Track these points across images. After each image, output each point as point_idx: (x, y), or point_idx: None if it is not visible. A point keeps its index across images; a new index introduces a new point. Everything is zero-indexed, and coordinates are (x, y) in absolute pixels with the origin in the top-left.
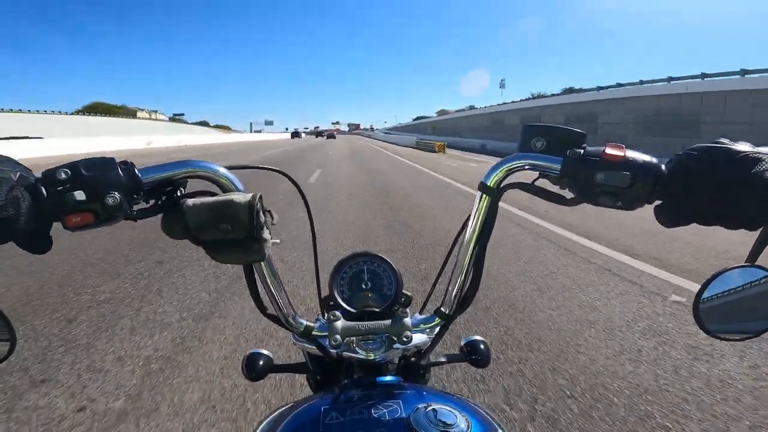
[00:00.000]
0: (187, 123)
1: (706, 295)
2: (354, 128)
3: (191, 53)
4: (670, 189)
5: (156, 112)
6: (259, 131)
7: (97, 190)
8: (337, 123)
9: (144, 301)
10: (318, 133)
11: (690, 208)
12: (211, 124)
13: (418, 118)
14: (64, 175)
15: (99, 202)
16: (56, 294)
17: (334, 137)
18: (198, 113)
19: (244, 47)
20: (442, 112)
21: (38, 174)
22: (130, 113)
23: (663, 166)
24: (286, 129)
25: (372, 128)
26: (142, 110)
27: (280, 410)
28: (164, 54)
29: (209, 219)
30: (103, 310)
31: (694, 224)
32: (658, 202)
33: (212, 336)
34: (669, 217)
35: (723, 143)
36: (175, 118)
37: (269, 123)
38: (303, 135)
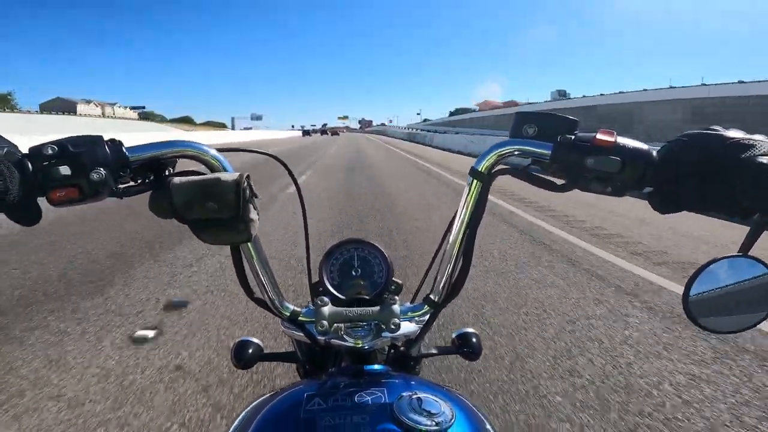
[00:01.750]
0: (163, 119)
1: (696, 285)
2: (366, 125)
3: (168, 42)
4: (660, 175)
5: (114, 104)
6: (249, 128)
7: (83, 166)
8: (345, 118)
9: None
10: (323, 131)
11: (680, 196)
12: (198, 121)
13: (457, 111)
14: (50, 151)
15: (84, 178)
16: None
17: (337, 134)
18: (181, 109)
19: (234, 36)
20: (484, 105)
21: (26, 150)
22: (68, 106)
23: (654, 152)
24: (292, 126)
25: (387, 124)
26: (90, 102)
27: (263, 397)
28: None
29: (196, 197)
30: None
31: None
32: (650, 189)
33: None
34: (660, 204)
35: (715, 130)
36: (146, 114)
37: (257, 118)
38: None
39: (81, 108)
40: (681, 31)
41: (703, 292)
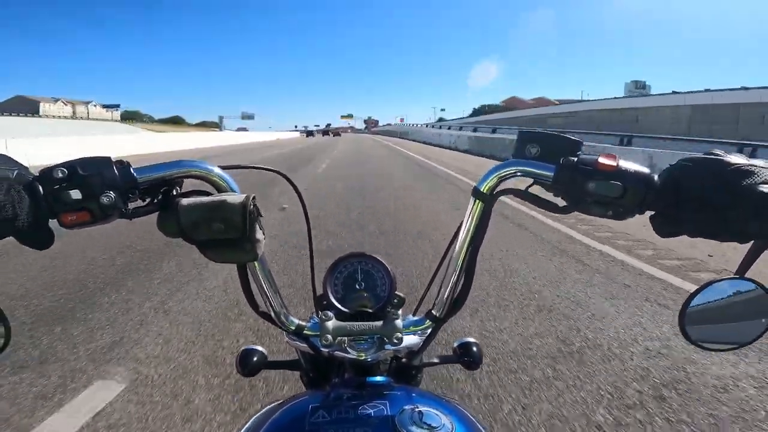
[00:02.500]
0: (146, 120)
1: (693, 304)
2: (372, 125)
3: (162, 39)
4: (661, 200)
5: (89, 103)
6: (245, 129)
7: (93, 189)
8: (349, 116)
9: None
10: (325, 132)
11: (681, 221)
12: (192, 122)
13: (482, 110)
14: (60, 174)
15: (95, 201)
16: None
17: (339, 135)
18: (174, 109)
19: (233, 35)
20: (512, 102)
21: (36, 173)
22: (32, 106)
23: (656, 177)
24: (295, 126)
25: (398, 123)
26: (58, 100)
27: (268, 407)
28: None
29: (203, 219)
30: None
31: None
32: (651, 213)
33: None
34: (663, 228)
35: (716, 155)
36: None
37: (248, 116)
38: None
39: (46, 108)
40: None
41: (700, 311)
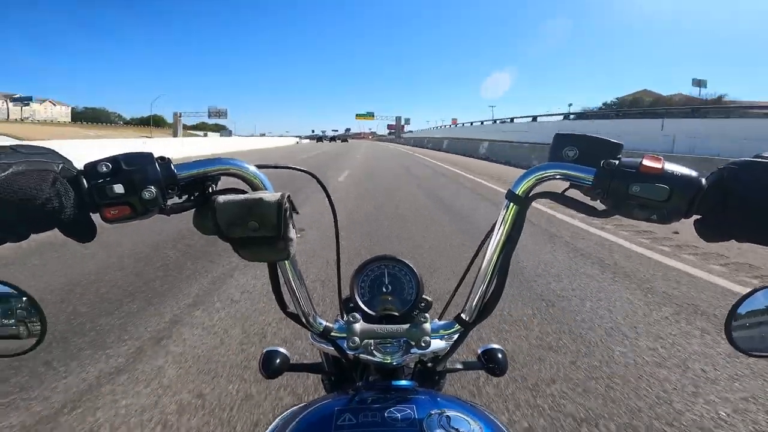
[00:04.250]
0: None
1: (740, 311)
2: (400, 129)
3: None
4: (708, 204)
5: (44, 101)
6: (229, 134)
7: (135, 184)
8: (369, 116)
9: None
10: (332, 138)
11: (728, 225)
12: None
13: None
14: (105, 168)
15: (137, 196)
16: None
17: (346, 141)
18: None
19: (228, 33)
20: (643, 96)
21: (79, 166)
22: None
23: (703, 180)
24: (312, 131)
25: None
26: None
27: (293, 409)
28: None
29: (239, 216)
30: None
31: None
32: (697, 217)
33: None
34: (708, 233)
35: (765, 157)
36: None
37: (217, 114)
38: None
39: None
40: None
41: (746, 317)
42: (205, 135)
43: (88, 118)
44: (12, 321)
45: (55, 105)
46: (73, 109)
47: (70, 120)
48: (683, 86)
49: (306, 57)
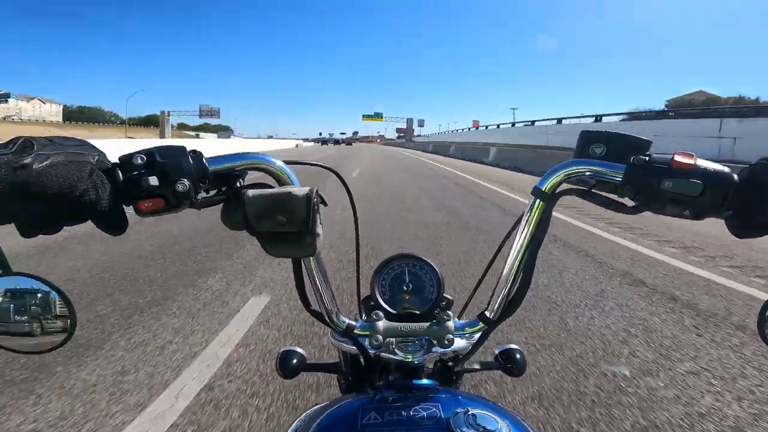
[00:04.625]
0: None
1: None
2: (410, 133)
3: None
4: (741, 199)
5: (32, 99)
6: (228, 136)
7: (170, 177)
8: (378, 117)
9: None
10: (336, 141)
11: (762, 220)
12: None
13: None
14: (140, 161)
15: (170, 189)
16: None
17: (350, 144)
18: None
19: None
20: (698, 97)
21: (115, 159)
22: None
23: (735, 176)
24: (320, 134)
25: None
26: None
27: (315, 408)
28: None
29: (268, 210)
30: None
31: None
32: (728, 213)
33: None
34: (741, 228)
35: None
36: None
37: (209, 113)
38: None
39: None
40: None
41: None
42: (197, 136)
43: (82, 117)
44: (44, 315)
45: (44, 103)
46: (65, 107)
47: (61, 119)
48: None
49: (316, 58)
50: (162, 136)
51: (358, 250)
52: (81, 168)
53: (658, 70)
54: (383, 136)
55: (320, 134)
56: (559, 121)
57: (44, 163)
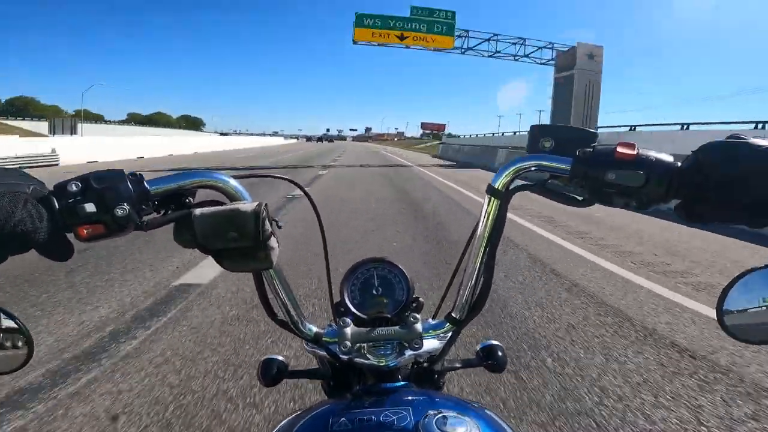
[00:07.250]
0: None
1: (730, 296)
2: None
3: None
4: (685, 188)
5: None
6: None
7: (107, 202)
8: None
9: None
10: (318, 139)
11: (709, 207)
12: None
13: None
14: (75, 188)
15: (109, 214)
16: None
17: (331, 141)
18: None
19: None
20: None
21: (50, 187)
22: None
23: (679, 164)
24: (316, 134)
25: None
26: None
27: (290, 418)
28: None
29: (217, 228)
30: None
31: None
32: (676, 201)
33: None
34: (687, 216)
35: (740, 137)
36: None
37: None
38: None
39: None
40: None
41: (738, 303)
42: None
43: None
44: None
45: None
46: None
47: None
48: None
49: (322, 58)
50: (51, 131)
51: (327, 256)
52: (15, 199)
53: None
54: (402, 133)
55: (299, 130)
56: (686, 126)
57: None
